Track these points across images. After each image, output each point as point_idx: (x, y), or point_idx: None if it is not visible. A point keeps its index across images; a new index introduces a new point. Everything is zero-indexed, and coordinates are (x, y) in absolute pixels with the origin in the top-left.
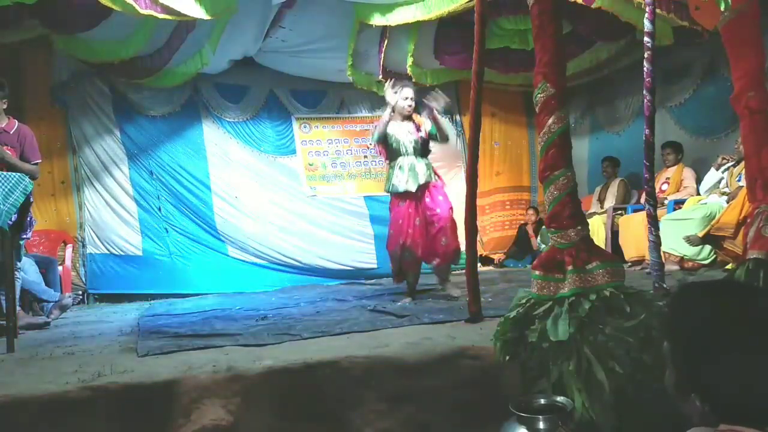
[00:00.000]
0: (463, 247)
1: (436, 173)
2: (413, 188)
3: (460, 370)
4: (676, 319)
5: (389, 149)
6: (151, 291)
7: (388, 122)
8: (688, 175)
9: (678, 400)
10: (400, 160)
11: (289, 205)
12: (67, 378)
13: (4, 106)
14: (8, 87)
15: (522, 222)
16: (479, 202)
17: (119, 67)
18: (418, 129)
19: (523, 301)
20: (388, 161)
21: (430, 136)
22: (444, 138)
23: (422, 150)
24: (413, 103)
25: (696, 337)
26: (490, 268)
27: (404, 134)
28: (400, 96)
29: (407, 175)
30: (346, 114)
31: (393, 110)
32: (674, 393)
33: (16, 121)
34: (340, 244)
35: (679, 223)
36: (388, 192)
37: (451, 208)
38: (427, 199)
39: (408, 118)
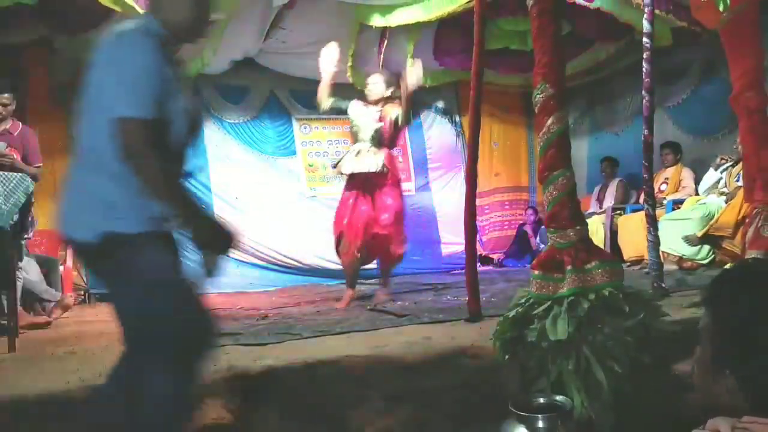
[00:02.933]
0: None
1: (388, 166)
2: (347, 171)
3: (459, 369)
4: (729, 296)
5: (352, 133)
6: None
7: (325, 88)
8: (687, 175)
9: (705, 381)
10: (356, 145)
11: (289, 206)
12: (68, 377)
13: (12, 107)
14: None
15: (521, 222)
16: (478, 202)
17: None
18: (382, 119)
19: (523, 300)
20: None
21: (396, 126)
22: (405, 121)
23: (382, 140)
24: (375, 89)
25: (752, 316)
26: (490, 267)
27: (366, 120)
28: (369, 80)
29: (353, 160)
30: (346, 115)
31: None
32: (704, 370)
33: (20, 123)
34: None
35: (678, 222)
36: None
37: (398, 212)
38: (376, 200)
39: (378, 103)
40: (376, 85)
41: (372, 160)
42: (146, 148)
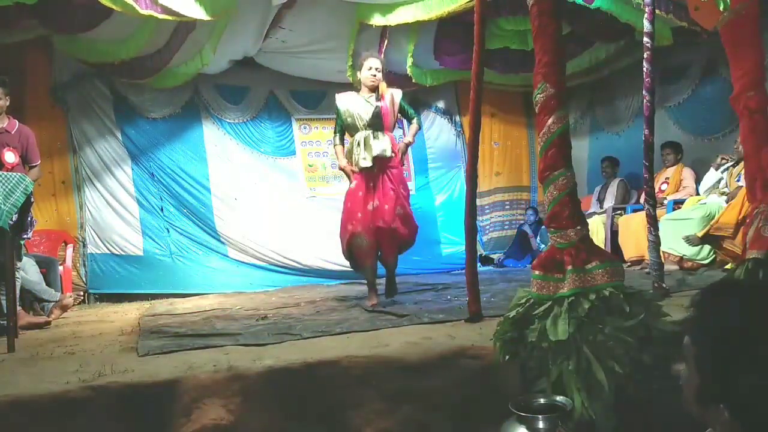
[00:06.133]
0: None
1: (394, 150)
2: (369, 164)
3: (460, 369)
4: (712, 320)
5: (347, 127)
6: (151, 291)
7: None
8: (688, 175)
9: (697, 409)
10: (358, 135)
11: (288, 206)
12: (67, 378)
13: (5, 103)
14: (8, 85)
15: (521, 222)
16: (479, 202)
17: (120, 67)
18: (380, 99)
19: (523, 300)
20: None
21: (401, 110)
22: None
23: (383, 122)
24: (378, 74)
25: (737, 342)
26: (490, 267)
27: (360, 106)
28: (365, 66)
29: (363, 150)
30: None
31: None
32: (694, 401)
33: (17, 122)
34: (340, 244)
35: (679, 223)
36: (354, 170)
37: (405, 198)
38: (384, 188)
39: (373, 90)
40: (377, 71)
41: (381, 146)
42: None
